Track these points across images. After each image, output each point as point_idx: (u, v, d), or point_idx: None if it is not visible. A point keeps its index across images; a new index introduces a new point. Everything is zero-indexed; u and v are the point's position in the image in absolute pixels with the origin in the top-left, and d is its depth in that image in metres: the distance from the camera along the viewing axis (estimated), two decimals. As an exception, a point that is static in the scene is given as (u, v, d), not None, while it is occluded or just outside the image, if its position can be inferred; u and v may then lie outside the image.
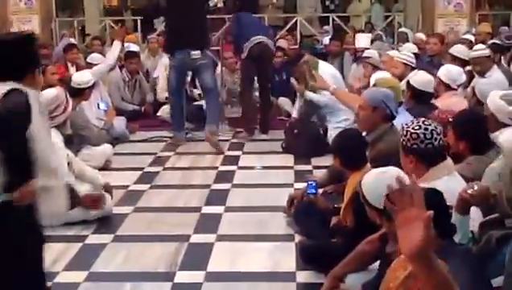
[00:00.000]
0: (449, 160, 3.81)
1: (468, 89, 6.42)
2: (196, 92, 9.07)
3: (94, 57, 8.76)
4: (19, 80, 3.32)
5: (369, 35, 10.84)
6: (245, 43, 7.86)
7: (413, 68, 6.95)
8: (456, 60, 7.33)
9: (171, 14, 7.84)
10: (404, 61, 7.08)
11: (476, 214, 3.39)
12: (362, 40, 9.92)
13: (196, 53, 7.62)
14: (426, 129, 3.70)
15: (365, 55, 9.00)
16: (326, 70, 7.29)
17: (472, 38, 9.27)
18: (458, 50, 7.60)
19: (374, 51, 9.17)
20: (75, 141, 6.37)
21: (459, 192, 3.15)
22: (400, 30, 11.68)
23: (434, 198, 3.08)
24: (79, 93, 6.79)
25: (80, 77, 6.97)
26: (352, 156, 4.35)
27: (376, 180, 3.31)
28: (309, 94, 7.26)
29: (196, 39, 7.59)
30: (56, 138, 5.20)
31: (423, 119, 3.83)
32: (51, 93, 5.29)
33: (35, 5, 12.58)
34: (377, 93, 5.00)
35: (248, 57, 7.91)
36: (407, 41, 9.81)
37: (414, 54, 8.19)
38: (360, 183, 3.47)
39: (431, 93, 5.95)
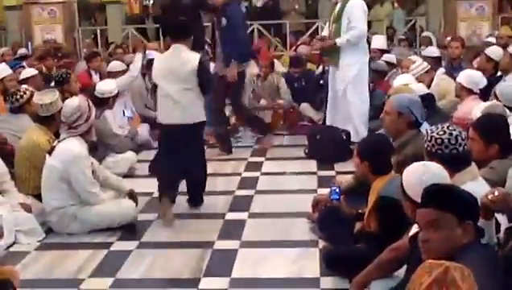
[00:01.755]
0: (473, 165, 3.79)
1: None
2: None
3: (114, 65, 8.82)
4: None
5: (384, 36, 10.84)
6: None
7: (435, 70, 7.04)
8: (489, 61, 7.29)
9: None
10: (423, 71, 7.14)
11: (502, 219, 3.38)
12: (378, 41, 9.92)
13: None
14: (450, 134, 3.69)
15: (383, 59, 9.01)
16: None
17: (494, 41, 9.22)
18: (493, 51, 7.53)
19: (392, 56, 9.17)
20: (99, 149, 6.44)
21: (480, 198, 3.14)
22: (423, 34, 11.63)
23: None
24: (103, 102, 6.85)
25: (104, 86, 7.04)
26: (379, 162, 4.33)
27: (417, 174, 3.29)
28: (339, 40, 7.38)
29: None
30: (81, 146, 5.25)
31: (448, 124, 3.82)
32: (73, 102, 5.32)
33: (58, 14, 12.70)
34: (403, 99, 5.00)
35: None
36: (431, 45, 9.77)
37: (437, 57, 8.18)
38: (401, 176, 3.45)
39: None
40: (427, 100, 5.90)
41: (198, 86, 5.62)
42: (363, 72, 7.52)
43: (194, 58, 5.64)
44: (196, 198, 5.92)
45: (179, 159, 5.60)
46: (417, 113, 4.86)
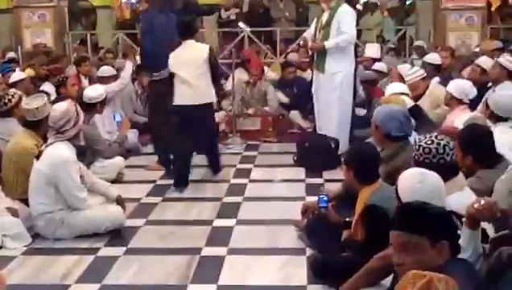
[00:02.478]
0: (461, 175, 3.83)
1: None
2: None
3: (105, 70, 8.78)
4: None
5: (378, 45, 10.87)
6: None
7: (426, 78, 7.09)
8: (480, 71, 7.33)
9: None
10: (419, 78, 7.15)
11: (489, 229, 3.39)
12: (371, 50, 9.96)
13: None
14: (438, 144, 3.73)
15: (374, 67, 9.05)
16: None
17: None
18: (484, 61, 7.56)
19: (383, 64, 9.22)
20: (87, 154, 6.42)
21: (466, 208, 3.15)
22: (416, 43, 11.66)
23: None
24: (91, 108, 6.83)
25: (91, 92, 7.01)
26: (364, 170, 4.35)
27: (413, 181, 3.29)
28: (328, 43, 7.36)
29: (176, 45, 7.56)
30: (69, 151, 5.24)
31: (436, 134, 3.85)
32: (60, 107, 5.29)
33: (48, 18, 12.66)
34: (380, 111, 5.09)
35: None
36: (424, 54, 9.79)
37: (438, 65, 8.20)
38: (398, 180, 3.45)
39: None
40: (415, 111, 5.95)
41: (209, 72, 6.66)
42: (348, 80, 7.51)
43: (205, 48, 6.79)
44: (216, 167, 7.08)
45: (194, 137, 6.61)
46: (391, 127, 4.91)
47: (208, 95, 6.73)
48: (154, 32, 7.10)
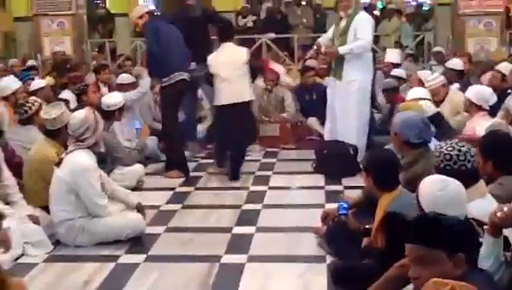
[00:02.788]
0: (482, 182, 3.81)
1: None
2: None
3: (124, 77, 8.83)
4: None
5: (399, 50, 10.85)
6: None
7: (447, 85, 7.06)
8: (501, 77, 7.31)
9: None
10: (439, 84, 7.12)
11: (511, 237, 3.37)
12: (392, 55, 9.95)
13: (191, 65, 7.82)
14: (459, 150, 3.72)
15: (392, 73, 9.04)
16: None
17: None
18: (504, 67, 7.53)
19: (402, 70, 9.20)
20: (107, 161, 6.45)
21: (489, 216, 3.13)
22: (435, 49, 11.63)
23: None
24: (109, 115, 6.88)
25: (110, 99, 7.08)
26: (384, 177, 4.34)
27: (434, 189, 3.28)
28: (342, 48, 7.38)
29: (192, 52, 7.66)
30: (89, 159, 5.27)
31: (457, 141, 3.84)
32: (79, 115, 5.33)
33: (67, 26, 12.76)
34: (398, 118, 5.07)
35: None
36: (443, 60, 9.77)
37: (460, 71, 8.17)
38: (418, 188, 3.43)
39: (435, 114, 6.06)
40: (436, 118, 5.92)
41: (249, 73, 7.30)
42: (364, 87, 7.51)
43: (244, 51, 7.47)
44: (236, 173, 7.28)
45: (234, 133, 7.16)
46: (409, 134, 4.89)
47: (247, 93, 7.30)
48: (160, 40, 7.15)
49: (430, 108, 6.27)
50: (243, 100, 7.23)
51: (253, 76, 7.65)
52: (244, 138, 7.49)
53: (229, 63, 7.21)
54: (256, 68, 8.09)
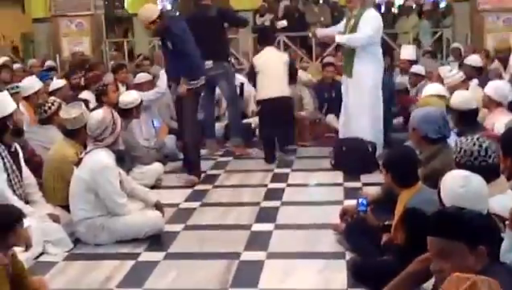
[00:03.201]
0: (503, 178, 3.78)
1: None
2: (249, 109, 9.17)
3: (141, 76, 8.80)
4: None
5: (414, 46, 10.81)
6: None
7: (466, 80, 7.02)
8: None
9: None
10: (458, 80, 7.06)
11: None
12: (407, 52, 9.90)
13: (208, 63, 7.81)
14: (480, 146, 3.70)
15: (412, 70, 9.00)
16: None
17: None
18: None
19: (420, 67, 9.16)
20: (126, 160, 6.47)
21: (510, 209, 3.11)
22: (453, 45, 11.56)
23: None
24: (127, 113, 6.91)
25: (126, 97, 7.13)
26: (403, 173, 4.33)
27: (456, 185, 3.26)
28: (340, 37, 7.57)
29: (208, 51, 7.66)
30: (108, 157, 5.29)
31: (478, 136, 3.82)
32: (97, 115, 5.35)
33: (86, 27, 12.83)
34: (416, 114, 5.05)
35: None
36: (461, 56, 9.71)
37: (479, 68, 8.13)
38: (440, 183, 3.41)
39: (473, 109, 5.77)
40: (469, 114, 5.76)
41: (287, 73, 8.02)
42: (375, 84, 7.50)
43: (284, 55, 8.45)
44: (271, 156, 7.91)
45: (275, 126, 7.83)
46: (427, 129, 4.86)
47: (286, 90, 7.95)
48: (191, 38, 7.10)
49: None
50: (283, 95, 7.81)
51: (292, 77, 8.23)
52: (284, 129, 8.12)
53: (271, 62, 7.93)
54: (296, 70, 8.73)
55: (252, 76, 8.18)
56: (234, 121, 8.52)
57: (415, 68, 9.08)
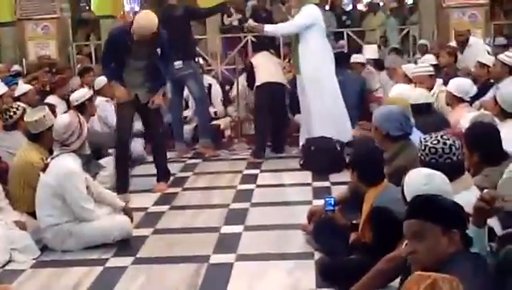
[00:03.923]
0: (467, 175, 3.82)
1: (486, 98, 6.44)
2: (212, 110, 9.14)
3: (99, 82, 8.56)
4: None
5: (375, 46, 10.87)
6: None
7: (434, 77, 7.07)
8: (483, 68, 7.34)
9: None
10: (426, 73, 7.11)
11: (496, 227, 3.37)
12: (369, 51, 9.96)
13: (178, 63, 7.89)
14: (444, 143, 3.72)
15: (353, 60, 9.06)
16: None
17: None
18: (487, 58, 7.55)
19: (360, 55, 9.26)
20: (92, 164, 6.38)
21: (473, 205, 3.13)
22: (420, 42, 11.63)
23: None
24: (82, 109, 6.87)
25: (75, 94, 7.30)
26: (369, 171, 4.35)
27: (419, 183, 3.30)
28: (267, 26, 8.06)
29: (177, 51, 7.68)
30: (74, 162, 5.24)
31: (442, 134, 3.85)
32: (63, 120, 5.30)
33: (52, 30, 12.69)
34: (377, 113, 5.08)
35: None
36: (427, 53, 9.77)
37: (435, 65, 8.20)
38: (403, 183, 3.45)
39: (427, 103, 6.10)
40: (427, 107, 5.97)
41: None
42: (318, 80, 7.66)
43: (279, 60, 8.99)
44: (280, 146, 8.21)
45: (271, 112, 7.97)
46: (389, 127, 4.89)
47: (283, 78, 8.30)
48: None
49: (422, 96, 6.25)
50: (278, 80, 8.05)
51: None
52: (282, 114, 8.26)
53: (268, 58, 8.36)
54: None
55: (251, 74, 8.26)
56: (203, 121, 8.48)
57: (355, 57, 9.17)
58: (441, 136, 3.82)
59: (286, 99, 8.34)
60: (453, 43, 9.26)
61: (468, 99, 6.16)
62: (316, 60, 7.63)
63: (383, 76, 9.31)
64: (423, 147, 3.80)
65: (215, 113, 9.19)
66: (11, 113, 6.36)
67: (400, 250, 3.34)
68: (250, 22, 8.39)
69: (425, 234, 2.73)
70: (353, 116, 7.83)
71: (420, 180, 3.32)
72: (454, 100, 6.16)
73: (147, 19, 6.45)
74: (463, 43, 8.63)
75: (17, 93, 8.05)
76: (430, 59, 8.35)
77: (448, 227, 2.73)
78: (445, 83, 6.72)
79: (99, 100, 8.09)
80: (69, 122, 5.25)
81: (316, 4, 8.00)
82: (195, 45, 8.50)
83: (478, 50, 8.39)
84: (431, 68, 7.33)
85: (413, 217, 2.79)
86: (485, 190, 3.23)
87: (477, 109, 6.15)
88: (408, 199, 3.29)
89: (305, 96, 7.81)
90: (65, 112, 6.66)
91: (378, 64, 9.80)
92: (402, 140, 4.89)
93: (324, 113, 7.58)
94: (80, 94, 7.28)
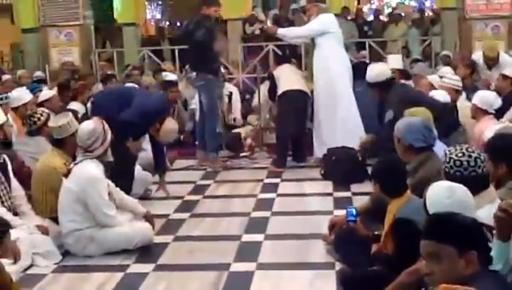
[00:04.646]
0: (492, 188, 3.78)
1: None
2: (231, 117, 9.16)
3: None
4: None
5: (400, 55, 10.83)
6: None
7: (459, 92, 7.01)
8: (506, 80, 7.30)
9: None
10: (453, 87, 7.06)
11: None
12: (393, 61, 9.92)
13: (192, 74, 8.30)
14: (470, 156, 3.69)
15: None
16: None
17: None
18: (510, 70, 7.52)
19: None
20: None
21: (493, 216, 3.11)
22: (442, 53, 11.59)
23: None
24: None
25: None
26: (391, 183, 4.33)
27: (442, 197, 3.26)
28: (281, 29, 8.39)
29: (193, 63, 8.34)
30: (97, 168, 5.27)
31: (467, 146, 3.82)
32: (88, 126, 5.34)
33: (75, 37, 12.80)
34: (400, 124, 5.03)
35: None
36: (450, 64, 9.74)
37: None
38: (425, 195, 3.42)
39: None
40: (446, 109, 5.97)
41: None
42: (324, 90, 7.79)
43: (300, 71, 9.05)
44: (301, 156, 8.18)
45: (295, 120, 7.93)
46: (411, 139, 4.86)
47: (306, 86, 8.10)
48: None
49: (443, 96, 6.29)
50: (301, 88, 7.98)
51: None
52: (303, 124, 8.21)
53: (290, 69, 8.40)
54: None
55: (273, 85, 8.30)
56: (207, 134, 8.35)
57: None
58: (466, 149, 3.79)
59: (308, 108, 8.23)
60: (475, 56, 9.17)
61: (493, 111, 6.12)
62: (331, 70, 7.69)
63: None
64: (447, 160, 3.78)
65: (234, 119, 9.21)
66: (35, 119, 6.41)
67: (421, 264, 3.33)
68: (268, 24, 8.49)
69: (441, 255, 2.62)
70: (371, 127, 7.76)
71: (442, 193, 3.30)
72: (479, 112, 6.14)
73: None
74: (493, 63, 8.50)
75: (40, 99, 8.12)
76: (448, 71, 8.32)
77: (465, 249, 2.61)
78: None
79: None
80: (93, 129, 5.29)
81: (339, 14, 8.06)
82: (213, 60, 8.39)
83: (506, 65, 8.26)
84: (460, 84, 7.25)
85: (428, 237, 2.70)
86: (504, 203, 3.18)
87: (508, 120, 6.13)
88: (430, 212, 3.28)
89: (318, 105, 7.92)
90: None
91: (404, 74, 9.75)
92: (426, 152, 4.86)
93: (336, 124, 7.59)
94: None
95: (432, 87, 7.55)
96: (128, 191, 6.08)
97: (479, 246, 2.67)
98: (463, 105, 6.93)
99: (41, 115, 6.45)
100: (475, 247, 2.64)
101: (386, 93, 6.65)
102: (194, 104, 9.20)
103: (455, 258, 2.61)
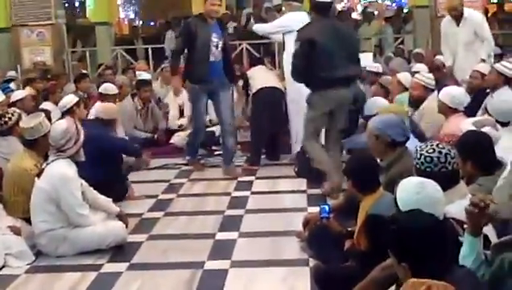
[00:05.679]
0: (462, 184, 3.83)
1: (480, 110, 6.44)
2: (207, 117, 9.15)
3: (108, 88, 8.62)
4: None
5: (371, 53, 10.89)
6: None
7: (432, 90, 6.94)
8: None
9: None
10: (426, 85, 7.01)
11: (492, 236, 3.38)
12: (367, 59, 9.97)
13: None
14: (440, 152, 3.73)
15: (368, 69, 9.02)
16: None
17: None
18: (482, 66, 7.56)
19: (378, 65, 9.26)
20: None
21: (464, 210, 3.14)
22: (415, 50, 11.66)
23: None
24: (70, 114, 6.83)
25: (63, 100, 7.29)
26: (364, 179, 4.36)
27: (412, 192, 3.30)
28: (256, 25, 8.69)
29: None
30: (70, 168, 5.24)
31: (438, 142, 3.86)
32: (60, 126, 5.29)
33: (47, 37, 12.69)
34: (377, 121, 5.03)
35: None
36: (423, 61, 9.80)
37: (378, 73, 8.28)
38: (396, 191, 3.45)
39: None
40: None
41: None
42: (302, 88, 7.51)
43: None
44: (275, 154, 8.26)
45: (268, 118, 7.98)
46: (393, 134, 4.88)
47: (280, 84, 8.22)
48: None
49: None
50: (274, 85, 8.11)
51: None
52: (279, 121, 8.21)
53: (264, 70, 8.67)
54: None
55: (246, 85, 8.61)
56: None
57: (372, 67, 9.16)
58: (437, 145, 3.82)
59: (283, 105, 8.21)
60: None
61: (463, 108, 6.08)
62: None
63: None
64: (418, 156, 3.81)
65: (209, 121, 9.19)
66: (6, 119, 6.35)
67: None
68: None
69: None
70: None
71: (412, 189, 3.32)
72: (448, 110, 6.06)
73: None
74: (458, 18, 8.48)
75: (12, 99, 8.05)
76: (423, 68, 8.35)
77: (399, 259, 2.69)
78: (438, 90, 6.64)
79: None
80: (66, 128, 5.24)
81: (309, 13, 7.98)
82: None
83: (475, 22, 8.31)
84: (433, 82, 7.18)
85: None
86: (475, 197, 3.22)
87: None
88: (401, 207, 3.30)
89: (288, 102, 8.07)
90: (60, 118, 6.67)
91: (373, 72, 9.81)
92: (402, 147, 4.88)
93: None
94: (67, 100, 7.20)
95: (401, 85, 7.59)
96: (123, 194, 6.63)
97: (411, 258, 2.66)
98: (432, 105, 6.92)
99: (12, 115, 6.39)
100: (406, 260, 2.66)
101: None
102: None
103: (395, 263, 2.72)
